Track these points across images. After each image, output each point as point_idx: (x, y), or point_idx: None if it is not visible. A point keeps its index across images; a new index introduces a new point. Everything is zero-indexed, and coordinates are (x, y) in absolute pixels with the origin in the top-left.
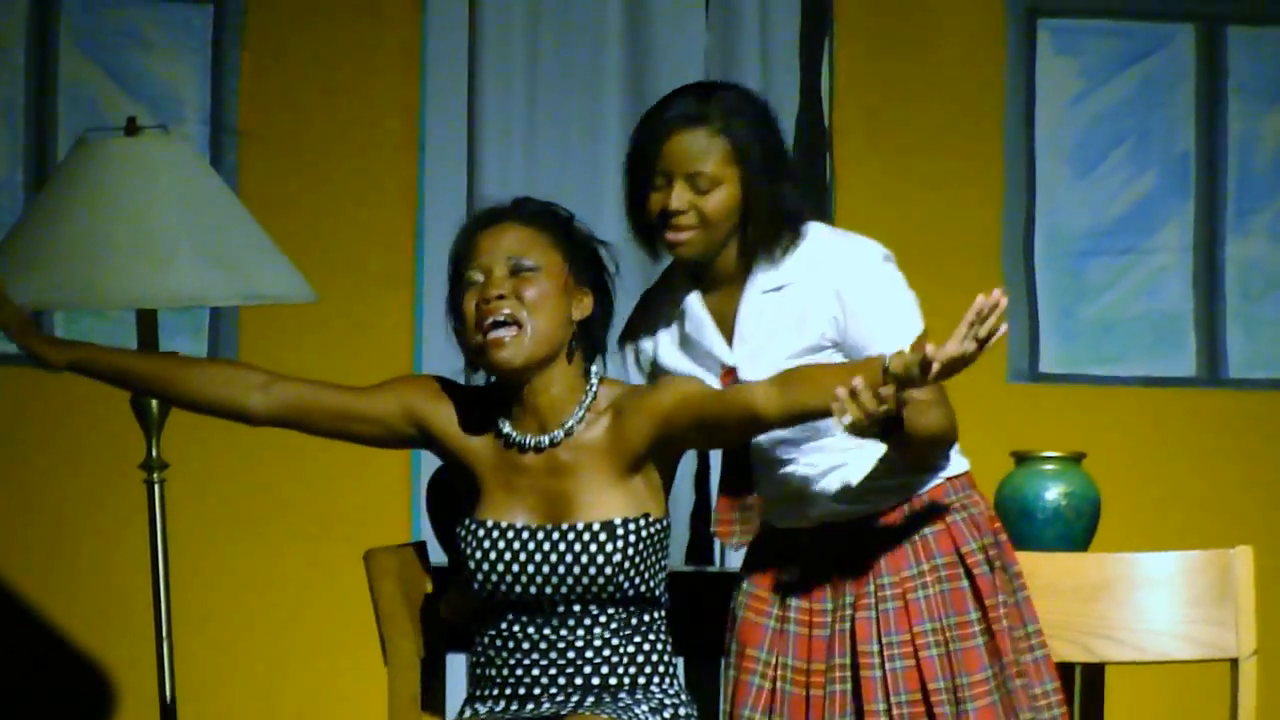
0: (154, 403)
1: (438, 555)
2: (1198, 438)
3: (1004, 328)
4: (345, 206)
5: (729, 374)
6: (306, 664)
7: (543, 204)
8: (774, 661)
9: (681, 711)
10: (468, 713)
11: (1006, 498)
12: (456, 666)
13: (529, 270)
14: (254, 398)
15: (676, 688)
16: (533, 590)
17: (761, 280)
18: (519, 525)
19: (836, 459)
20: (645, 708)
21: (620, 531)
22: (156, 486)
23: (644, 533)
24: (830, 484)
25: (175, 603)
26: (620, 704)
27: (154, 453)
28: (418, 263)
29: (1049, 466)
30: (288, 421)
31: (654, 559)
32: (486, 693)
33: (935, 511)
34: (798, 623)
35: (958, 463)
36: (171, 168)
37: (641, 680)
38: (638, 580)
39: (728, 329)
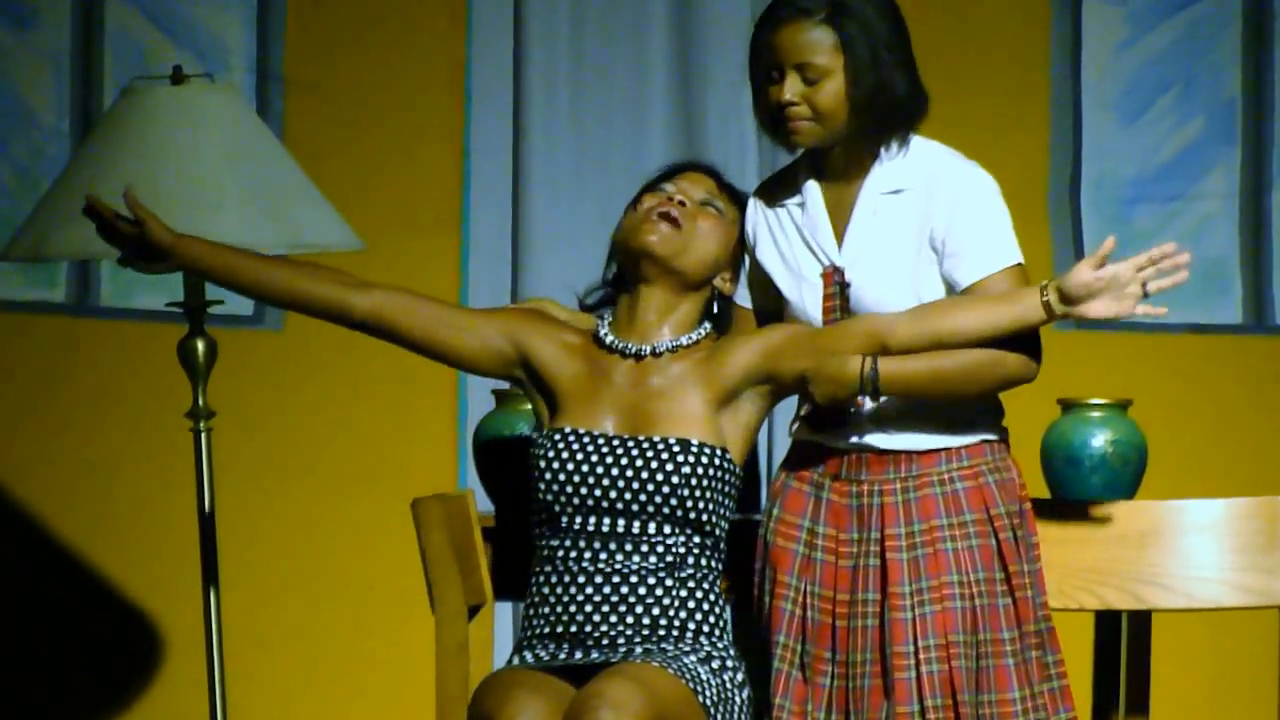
0: (200, 351)
1: (485, 504)
2: (1244, 384)
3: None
4: (392, 154)
5: (832, 274)
6: (353, 612)
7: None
8: (804, 589)
9: (729, 664)
10: (516, 661)
11: (1053, 445)
12: (504, 615)
13: (715, 210)
14: (358, 295)
15: (726, 642)
16: (598, 494)
17: (879, 180)
18: (595, 433)
19: None
20: (694, 658)
21: (694, 449)
22: (203, 435)
23: (717, 461)
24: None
25: (222, 551)
26: (668, 654)
27: (200, 401)
28: (464, 211)
29: (1095, 414)
30: (386, 322)
31: (720, 495)
32: (538, 631)
33: (969, 468)
34: (824, 550)
35: (997, 428)
36: (218, 116)
37: (691, 627)
38: (700, 504)
39: (840, 227)
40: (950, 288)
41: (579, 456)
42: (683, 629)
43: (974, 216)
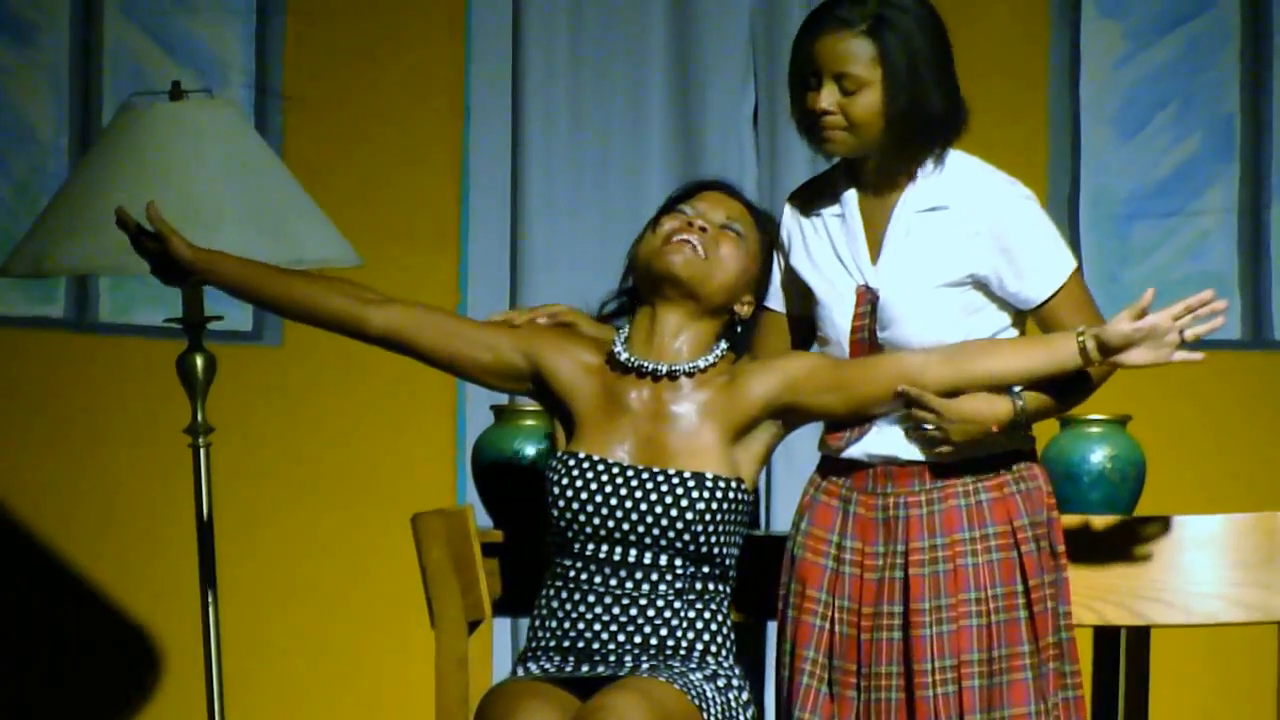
0: (200, 367)
1: (484, 519)
2: (1243, 400)
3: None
4: (390, 170)
5: (865, 293)
6: (352, 627)
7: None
8: (833, 603)
9: (735, 682)
10: (521, 672)
11: (1052, 460)
12: (503, 630)
13: (735, 234)
14: (374, 311)
15: (731, 662)
16: (610, 524)
17: (916, 198)
18: (611, 461)
19: None
20: (700, 675)
21: (709, 484)
22: (202, 450)
23: (731, 494)
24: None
25: (221, 566)
26: (674, 670)
27: (199, 417)
28: (463, 227)
29: (1094, 429)
30: (401, 337)
31: (732, 526)
32: (543, 645)
33: (994, 479)
34: (852, 564)
35: (1023, 438)
36: (216, 132)
37: (699, 648)
38: (713, 539)
39: (875, 242)
40: (1015, 307)
41: (593, 486)
42: (690, 648)
43: (1025, 238)
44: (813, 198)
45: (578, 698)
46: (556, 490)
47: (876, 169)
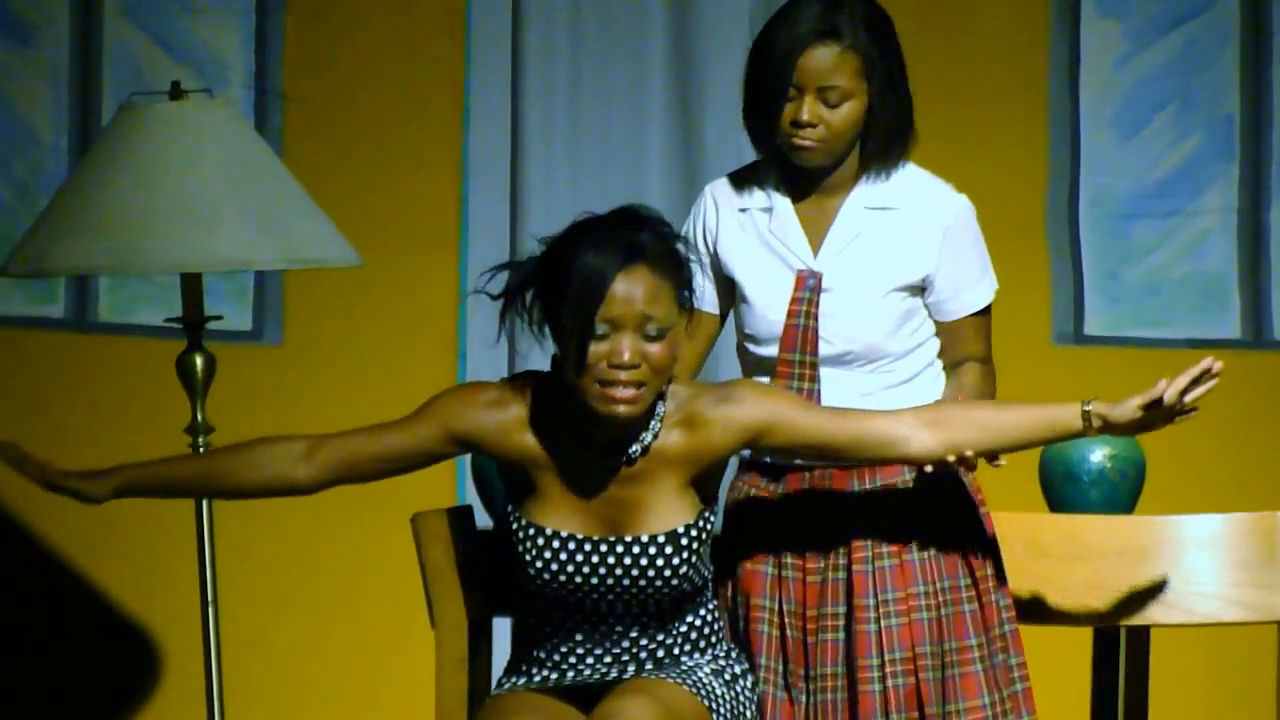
0: (199, 367)
1: (483, 519)
2: (1242, 400)
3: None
4: (390, 171)
5: (805, 277)
6: (352, 627)
7: (667, 240)
8: (779, 609)
9: (738, 669)
10: (521, 681)
11: (1051, 460)
12: (503, 630)
13: (661, 335)
14: (299, 470)
15: (726, 647)
16: (594, 598)
17: (865, 195)
18: (580, 536)
19: (898, 379)
20: (707, 670)
21: (684, 541)
22: (202, 450)
23: (704, 535)
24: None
25: (220, 567)
26: (682, 667)
27: (199, 417)
28: (462, 227)
29: None
30: (335, 479)
31: (708, 545)
32: (532, 670)
33: (928, 476)
34: (793, 568)
35: None
36: (216, 132)
37: (696, 654)
38: (695, 575)
39: (816, 236)
40: (935, 317)
41: (570, 567)
42: (689, 655)
43: (969, 251)
44: (738, 192)
45: (576, 708)
46: (531, 570)
47: (843, 172)
